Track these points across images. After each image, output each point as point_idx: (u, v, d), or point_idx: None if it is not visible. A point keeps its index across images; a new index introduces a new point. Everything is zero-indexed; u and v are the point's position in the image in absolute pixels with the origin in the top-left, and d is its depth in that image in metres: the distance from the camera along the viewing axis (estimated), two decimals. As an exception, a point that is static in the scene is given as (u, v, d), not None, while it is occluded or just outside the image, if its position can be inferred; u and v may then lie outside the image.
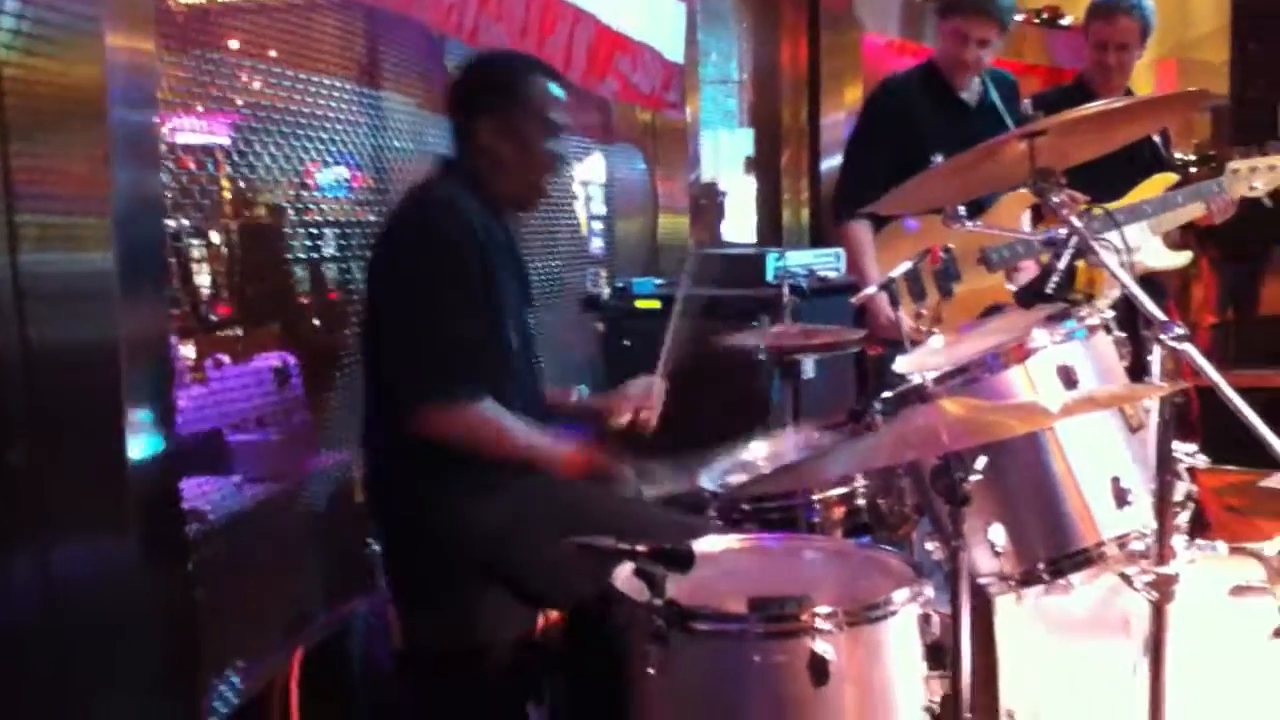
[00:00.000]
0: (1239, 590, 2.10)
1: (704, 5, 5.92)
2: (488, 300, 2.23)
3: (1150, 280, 3.56)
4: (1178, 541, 1.82)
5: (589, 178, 4.96)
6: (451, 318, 2.16)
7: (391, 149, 3.12)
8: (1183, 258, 3.78)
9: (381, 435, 2.33)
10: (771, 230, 6.69)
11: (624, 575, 1.78)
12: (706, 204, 6.41)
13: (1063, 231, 1.94)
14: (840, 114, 6.60)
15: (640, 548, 1.65)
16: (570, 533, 1.71)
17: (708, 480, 2.40)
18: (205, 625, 2.29)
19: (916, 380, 1.86)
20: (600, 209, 5.08)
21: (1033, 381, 1.85)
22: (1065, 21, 10.17)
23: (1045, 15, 10.20)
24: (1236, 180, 3.48)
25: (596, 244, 5.05)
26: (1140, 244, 3.74)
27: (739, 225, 6.54)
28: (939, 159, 2.96)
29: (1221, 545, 2.28)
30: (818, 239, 6.39)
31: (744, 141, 6.82)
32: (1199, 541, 2.26)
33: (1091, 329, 1.92)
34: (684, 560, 1.64)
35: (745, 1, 6.69)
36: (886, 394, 1.94)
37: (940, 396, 1.65)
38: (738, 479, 2.45)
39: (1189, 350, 1.61)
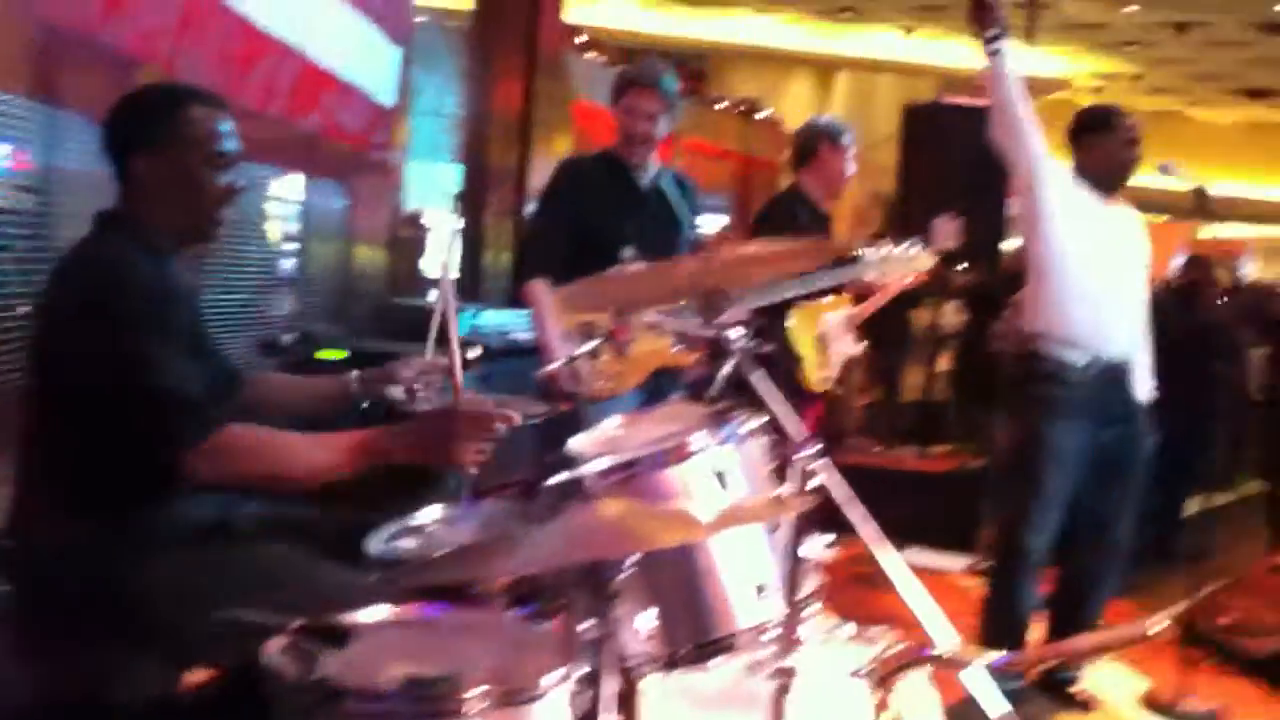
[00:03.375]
0: (855, 674, 2.34)
1: (421, 40, 5.91)
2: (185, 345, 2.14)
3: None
4: (813, 624, 2.00)
5: (282, 204, 4.81)
6: (166, 368, 2.04)
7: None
8: (860, 346, 4.22)
9: (40, 480, 2.17)
10: (472, 274, 6.68)
11: (276, 649, 1.74)
12: (408, 235, 6.36)
13: (732, 336, 2.13)
14: (550, 160, 6.75)
15: (292, 624, 1.63)
16: (233, 597, 1.66)
17: (375, 546, 2.37)
18: None
19: (583, 470, 1.94)
20: (292, 238, 4.93)
21: (688, 483, 1.97)
22: (760, 115, 11.21)
23: (744, 107, 11.22)
24: (867, 268, 3.94)
25: (287, 265, 4.90)
26: (836, 337, 4.17)
27: (439, 262, 6.53)
28: (629, 253, 3.44)
29: (849, 628, 2.54)
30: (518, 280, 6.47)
31: (453, 177, 6.83)
32: (830, 623, 2.50)
33: (746, 435, 2.08)
34: (338, 637, 1.63)
35: (462, 42, 6.73)
36: (554, 479, 2.00)
37: (602, 494, 1.73)
38: (408, 545, 2.44)
39: (821, 467, 1.78)
